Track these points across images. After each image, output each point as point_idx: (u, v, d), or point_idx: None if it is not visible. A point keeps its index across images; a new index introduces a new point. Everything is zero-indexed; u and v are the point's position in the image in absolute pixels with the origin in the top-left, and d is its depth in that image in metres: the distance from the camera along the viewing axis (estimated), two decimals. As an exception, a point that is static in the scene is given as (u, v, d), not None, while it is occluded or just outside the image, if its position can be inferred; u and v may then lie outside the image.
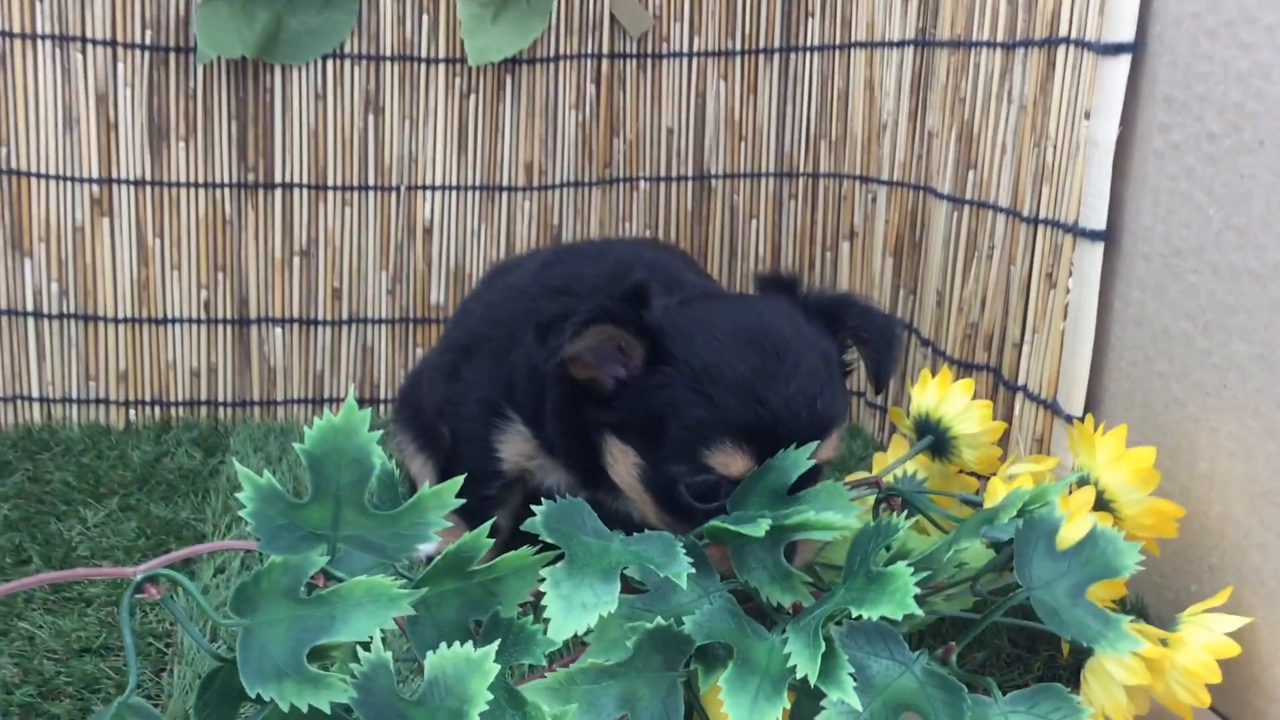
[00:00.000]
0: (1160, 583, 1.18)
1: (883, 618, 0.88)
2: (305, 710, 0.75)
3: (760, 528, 0.88)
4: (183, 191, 1.73)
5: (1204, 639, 0.97)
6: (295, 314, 1.80)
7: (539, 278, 1.26)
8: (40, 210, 1.69)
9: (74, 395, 1.76)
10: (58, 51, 1.65)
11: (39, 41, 1.64)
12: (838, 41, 1.79)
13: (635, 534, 0.92)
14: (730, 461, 1.01)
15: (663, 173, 1.86)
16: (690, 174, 1.87)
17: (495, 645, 0.75)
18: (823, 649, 0.84)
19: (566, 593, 0.82)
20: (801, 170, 1.87)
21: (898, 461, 1.25)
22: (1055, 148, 1.30)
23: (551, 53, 1.77)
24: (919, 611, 0.83)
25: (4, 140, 1.66)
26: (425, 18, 1.74)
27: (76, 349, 1.75)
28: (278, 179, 1.76)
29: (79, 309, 1.74)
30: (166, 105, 1.70)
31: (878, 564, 0.88)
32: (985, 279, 1.44)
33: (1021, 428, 1.37)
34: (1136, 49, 1.18)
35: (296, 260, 1.79)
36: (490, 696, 0.73)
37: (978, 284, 1.46)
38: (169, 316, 1.77)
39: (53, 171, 1.68)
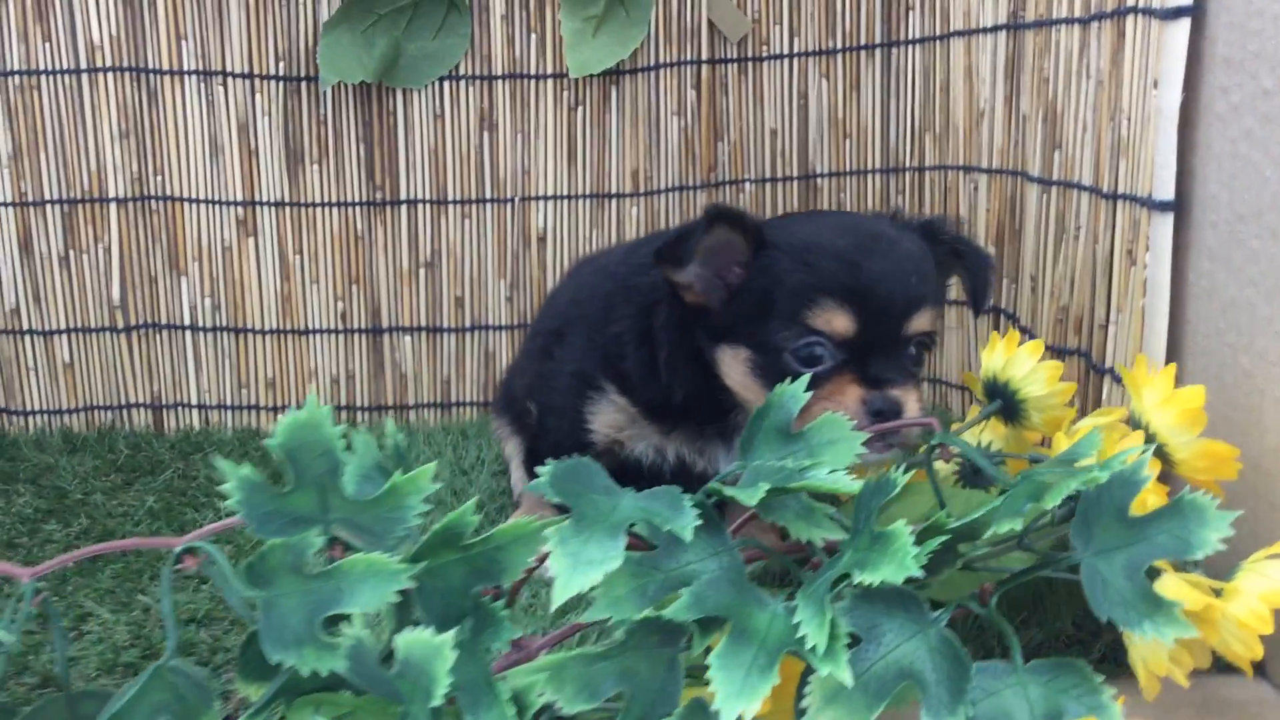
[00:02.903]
0: (1236, 561, 1.13)
1: (908, 580, 0.89)
2: (323, 674, 0.82)
3: (757, 494, 0.90)
4: (318, 211, 1.87)
5: (1259, 586, 0.92)
6: (423, 323, 1.91)
7: (628, 258, 1.32)
8: (193, 232, 1.86)
9: (228, 402, 1.92)
10: (202, 86, 1.81)
11: (185, 78, 1.81)
12: (937, 32, 1.78)
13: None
14: (832, 318, 1.10)
15: (768, 174, 1.89)
16: (795, 174, 1.89)
17: (453, 633, 0.80)
18: (828, 618, 0.84)
19: (574, 550, 0.85)
20: (907, 164, 1.86)
21: (965, 426, 1.24)
22: (1129, 120, 1.27)
23: (652, 61, 1.83)
24: (919, 573, 0.84)
25: (159, 169, 1.84)
26: (533, 36, 1.83)
27: (229, 359, 1.90)
28: (403, 196, 1.87)
29: (230, 322, 1.89)
30: (300, 131, 1.84)
31: (883, 525, 0.89)
32: (1073, 260, 1.42)
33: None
34: (1195, 10, 1.15)
35: (422, 272, 1.90)
36: (450, 680, 0.78)
37: (1067, 266, 1.43)
38: (310, 327, 1.90)
39: (202, 196, 1.85)
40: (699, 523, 0.91)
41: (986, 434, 1.27)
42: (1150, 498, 0.97)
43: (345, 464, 0.88)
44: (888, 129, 1.87)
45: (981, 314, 1.30)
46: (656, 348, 1.23)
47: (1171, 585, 0.93)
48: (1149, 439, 1.04)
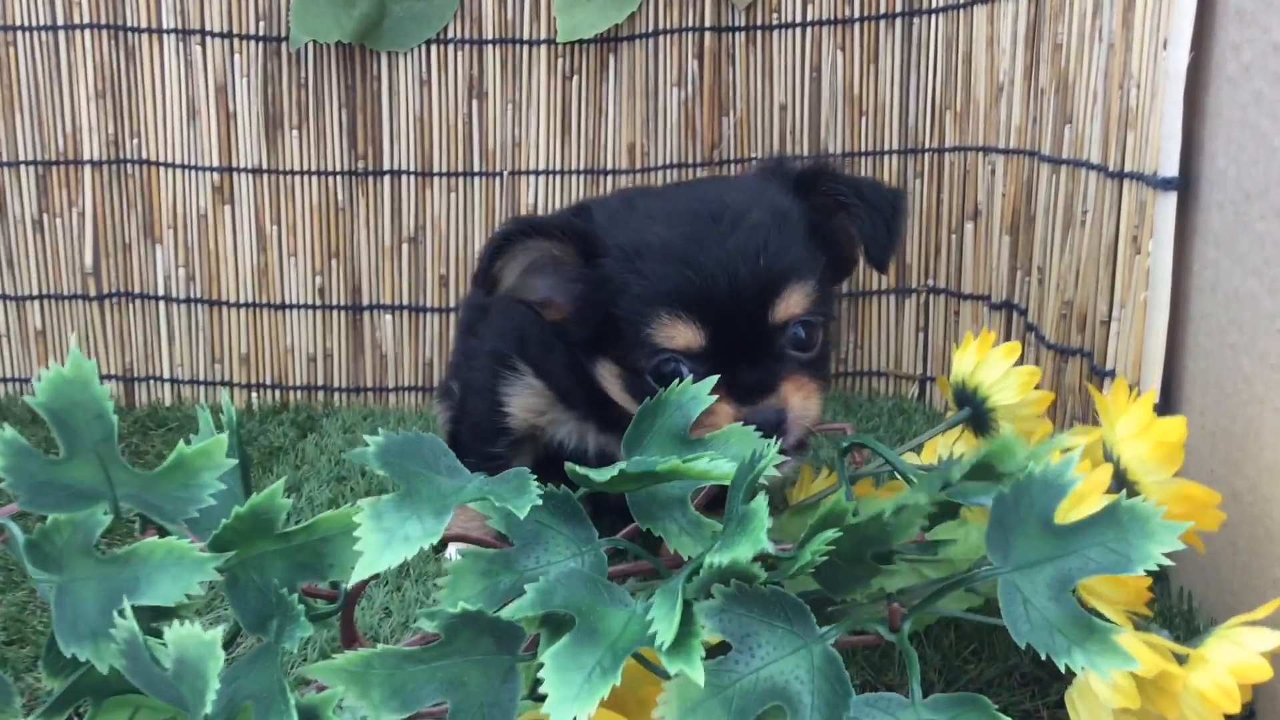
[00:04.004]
0: (1231, 601, 0.97)
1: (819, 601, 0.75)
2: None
3: (607, 472, 0.77)
4: (297, 179, 1.78)
5: (1230, 657, 0.77)
6: (405, 301, 1.81)
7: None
8: (168, 198, 1.78)
9: (200, 377, 1.84)
10: (181, 45, 1.73)
11: (164, 36, 1.73)
12: (961, 0, 1.62)
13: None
14: (673, 333, 0.96)
15: (776, 152, 1.74)
16: (806, 153, 1.74)
17: (221, 629, 0.69)
18: (679, 612, 0.72)
19: (391, 525, 0.74)
20: (927, 145, 1.70)
21: (928, 434, 1.09)
22: (1139, 87, 1.11)
23: (651, 27, 1.70)
24: (770, 548, 0.70)
25: (136, 132, 1.76)
26: (526, -1, 1.71)
27: (203, 332, 1.82)
28: (386, 166, 1.77)
29: (204, 294, 1.81)
30: (280, 95, 1.75)
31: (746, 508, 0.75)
32: (1080, 249, 1.25)
33: (1111, 419, 1.17)
34: (1207, -43, 0.99)
35: (405, 247, 1.80)
36: (219, 686, 0.67)
37: (1073, 255, 1.27)
38: (287, 302, 1.81)
39: (178, 161, 1.77)
40: (553, 512, 0.79)
41: (959, 446, 1.12)
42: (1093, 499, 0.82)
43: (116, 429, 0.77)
44: (907, 106, 1.71)
45: (883, 270, 1.10)
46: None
47: (1125, 645, 0.77)
48: (1118, 474, 0.88)
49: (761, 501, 0.73)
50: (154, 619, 0.83)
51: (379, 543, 0.73)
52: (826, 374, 1.09)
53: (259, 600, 0.78)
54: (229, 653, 0.92)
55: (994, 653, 0.99)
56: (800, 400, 0.98)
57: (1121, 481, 0.90)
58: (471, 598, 0.78)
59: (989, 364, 1.06)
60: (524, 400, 1.14)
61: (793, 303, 0.98)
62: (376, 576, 0.81)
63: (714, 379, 0.86)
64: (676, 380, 0.84)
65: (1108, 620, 0.79)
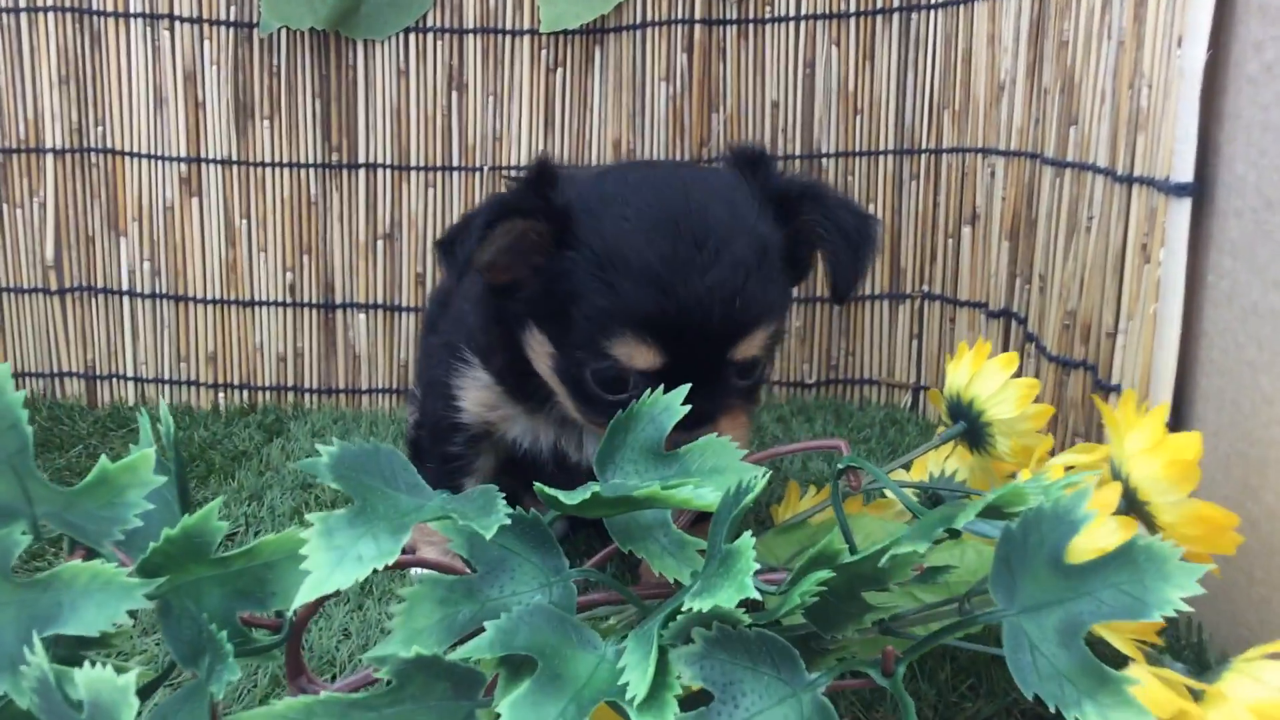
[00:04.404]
0: (1245, 634, 0.91)
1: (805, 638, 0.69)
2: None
3: (578, 496, 0.71)
4: (268, 171, 1.71)
5: (1251, 694, 0.71)
6: (379, 299, 1.74)
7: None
8: (134, 189, 1.71)
9: (165, 376, 1.77)
10: (148, 30, 1.66)
11: (131, 20, 1.66)
12: (960, -5, 1.56)
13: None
14: (634, 354, 0.92)
15: (767, 151, 1.67)
16: (798, 152, 1.68)
17: (135, 673, 0.62)
18: (654, 660, 0.66)
19: (341, 542, 0.67)
20: (923, 146, 1.64)
21: (920, 450, 1.03)
22: (1150, 86, 1.05)
23: (639, 19, 1.64)
24: (756, 594, 0.64)
25: (100, 119, 1.69)
26: (508, -13, 1.64)
27: (169, 329, 1.75)
28: (361, 159, 1.70)
29: (170, 289, 1.74)
30: (251, 83, 1.68)
31: (730, 545, 0.69)
32: (1084, 256, 1.19)
33: (1115, 437, 1.11)
34: (1227, -52, 0.93)
35: (380, 244, 1.73)
36: None
37: (1077, 263, 1.21)
38: (256, 299, 1.74)
39: (144, 150, 1.69)
40: (520, 537, 0.73)
41: (952, 461, 1.06)
42: (1103, 536, 0.75)
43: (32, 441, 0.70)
44: (903, 104, 1.65)
45: (840, 303, 1.05)
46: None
47: (1139, 676, 0.71)
48: (1128, 494, 0.82)
49: (747, 542, 0.67)
50: (82, 647, 0.77)
51: (328, 562, 0.66)
52: (759, 396, 1.07)
53: (194, 631, 0.72)
54: (170, 680, 0.86)
55: (993, 687, 0.93)
56: (729, 428, 0.93)
57: (1131, 502, 0.84)
58: (428, 629, 0.71)
59: (985, 375, 1.00)
60: (475, 394, 1.08)
61: (754, 344, 0.94)
62: (330, 597, 0.74)
63: (685, 388, 0.81)
64: (646, 391, 0.80)
65: (1117, 651, 0.73)
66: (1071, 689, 0.67)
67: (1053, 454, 0.99)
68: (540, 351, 0.99)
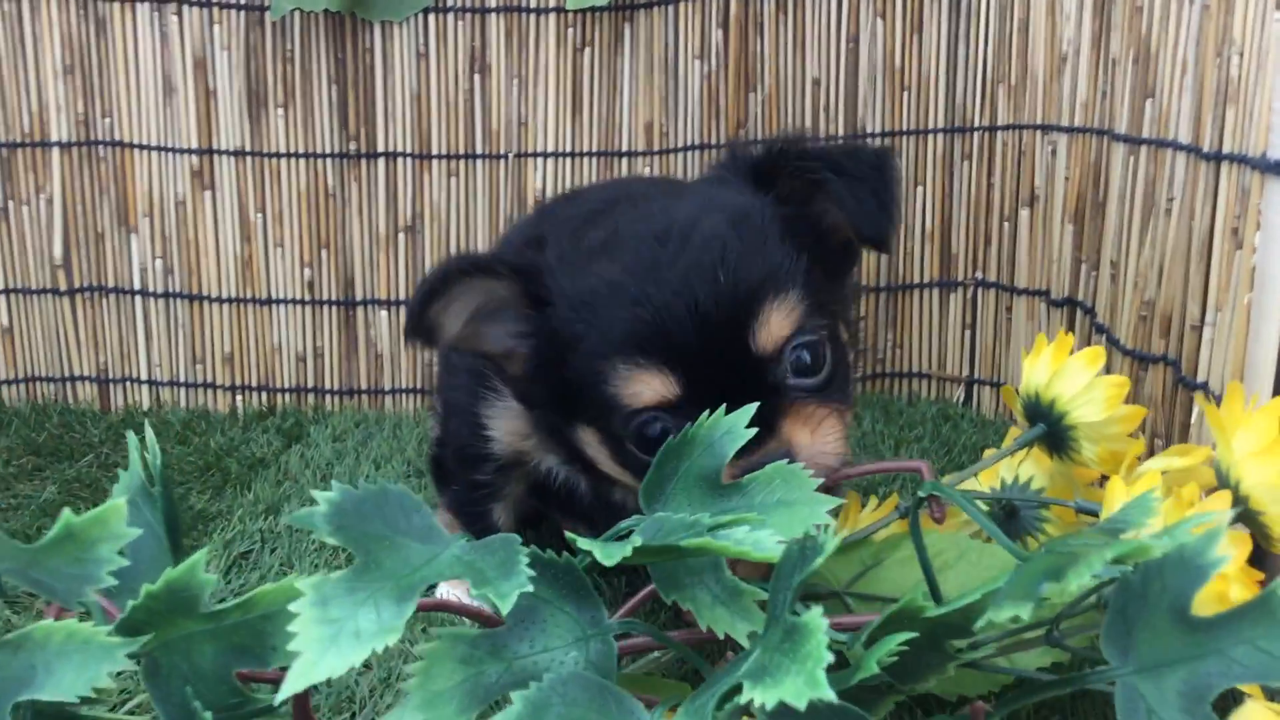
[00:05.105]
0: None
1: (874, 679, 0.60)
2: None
3: (618, 552, 0.62)
4: (283, 163, 1.62)
5: None
6: (402, 295, 1.66)
7: (523, 228, 1.05)
8: (143, 183, 1.63)
9: (181, 378, 1.69)
10: (155, 15, 1.58)
11: (137, 5, 1.58)
12: (1017, -39, 1.45)
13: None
14: (637, 387, 0.80)
15: (808, 132, 1.58)
16: (842, 133, 1.58)
17: None
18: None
19: (336, 614, 0.59)
20: (977, 124, 1.54)
21: (995, 457, 0.94)
22: (1241, 55, 0.95)
23: (671, -6, 1.54)
24: (830, 695, 0.55)
25: (107, 110, 1.61)
26: (532, -38, 1.55)
27: (184, 330, 1.68)
28: (380, 148, 1.62)
29: (183, 288, 1.66)
30: (263, 69, 1.59)
31: (798, 619, 0.59)
32: (1163, 241, 1.09)
33: (1204, 443, 1.01)
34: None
35: (402, 237, 1.64)
36: None
37: (1155, 249, 1.11)
38: (273, 297, 1.66)
39: (154, 142, 1.62)
40: (553, 584, 0.64)
41: (1027, 467, 0.97)
42: (1232, 588, 0.66)
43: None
44: (954, 80, 1.54)
45: (887, 252, 0.91)
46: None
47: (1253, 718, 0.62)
48: (1237, 502, 0.72)
49: (818, 622, 0.57)
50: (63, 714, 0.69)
51: (321, 639, 0.57)
52: (846, 395, 0.90)
53: (181, 688, 0.64)
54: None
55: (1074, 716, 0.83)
56: (808, 436, 0.81)
57: (1243, 512, 0.74)
58: (448, 692, 0.62)
59: (1067, 373, 0.91)
60: (506, 423, 0.98)
61: (775, 323, 0.81)
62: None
63: (754, 406, 0.71)
64: (661, 442, 0.70)
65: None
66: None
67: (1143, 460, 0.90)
68: (593, 442, 0.88)
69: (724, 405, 0.74)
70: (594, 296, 0.81)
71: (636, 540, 0.62)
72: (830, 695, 0.54)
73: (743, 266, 0.80)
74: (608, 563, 0.62)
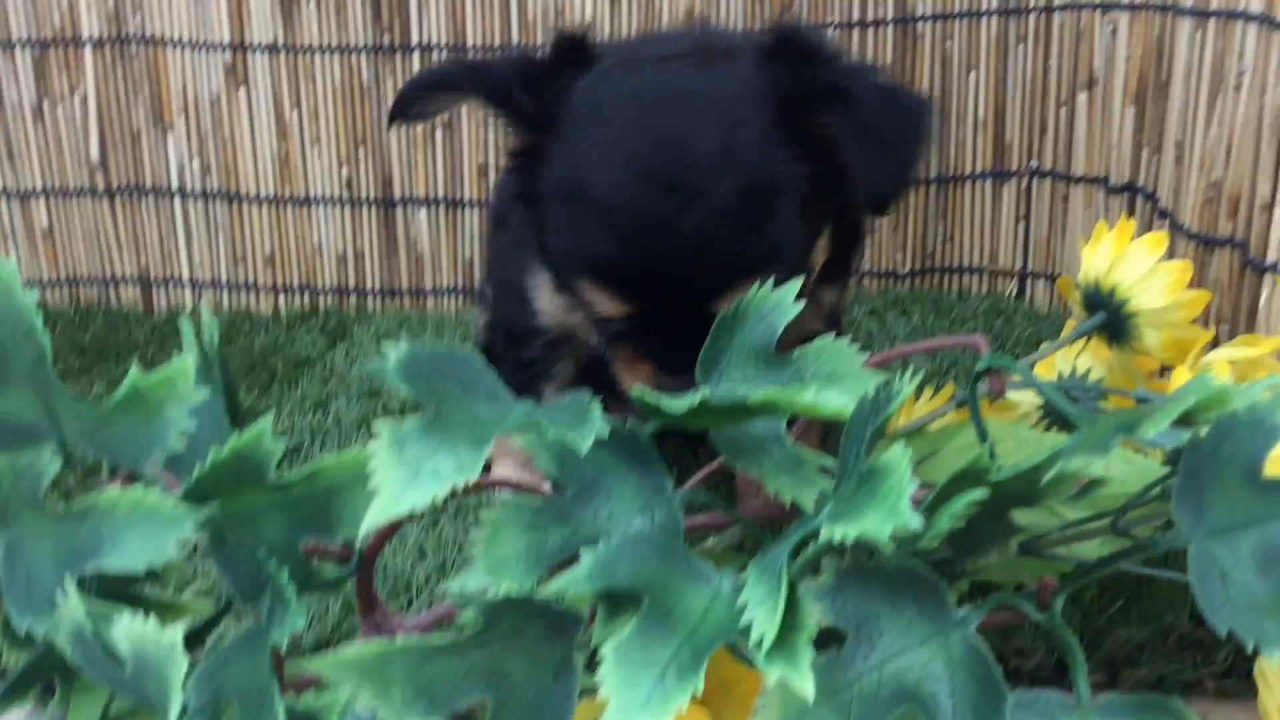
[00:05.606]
0: None
1: (917, 552, 0.59)
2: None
3: (684, 402, 0.60)
4: (317, 57, 1.59)
5: None
6: (441, 194, 1.64)
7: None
8: (177, 81, 1.61)
9: (222, 279, 1.68)
10: (183, -96, 1.54)
11: (165, -105, 1.54)
12: None
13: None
14: (597, 299, 0.82)
15: (856, 16, 1.53)
16: (890, 16, 1.53)
17: (182, 626, 0.54)
18: (784, 596, 0.56)
19: (414, 456, 0.57)
20: (1032, 4, 1.48)
21: (1055, 345, 0.91)
22: (1328, -89, 0.90)
23: (713, -128, 1.48)
24: (914, 524, 0.53)
25: (138, 6, 1.58)
26: None
27: (224, 230, 1.66)
28: (415, 40, 1.58)
29: (221, 187, 1.64)
30: (295, -40, 1.56)
31: (876, 460, 0.58)
32: (1232, 120, 1.05)
33: (1271, 326, 0.98)
34: None
35: (439, 133, 1.61)
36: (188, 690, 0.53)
37: (1223, 128, 1.06)
38: (311, 196, 1.64)
39: (186, 38, 1.59)
40: (617, 453, 0.63)
41: (1085, 358, 0.94)
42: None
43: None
44: (1008, -42, 1.49)
45: (883, 214, 0.89)
46: None
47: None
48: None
49: (901, 456, 0.56)
50: (132, 580, 0.69)
51: (400, 478, 0.56)
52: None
53: (253, 564, 0.63)
54: (229, 618, 0.78)
55: (1144, 610, 0.82)
56: None
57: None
58: (513, 556, 0.61)
59: (1129, 260, 0.87)
60: (553, 295, 0.97)
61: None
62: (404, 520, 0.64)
63: (800, 279, 0.69)
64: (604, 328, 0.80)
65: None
66: (1273, 624, 0.56)
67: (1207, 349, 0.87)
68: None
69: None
70: (586, 197, 0.80)
71: (704, 392, 0.61)
72: (916, 522, 0.53)
73: (736, 252, 0.79)
74: (675, 412, 0.61)
